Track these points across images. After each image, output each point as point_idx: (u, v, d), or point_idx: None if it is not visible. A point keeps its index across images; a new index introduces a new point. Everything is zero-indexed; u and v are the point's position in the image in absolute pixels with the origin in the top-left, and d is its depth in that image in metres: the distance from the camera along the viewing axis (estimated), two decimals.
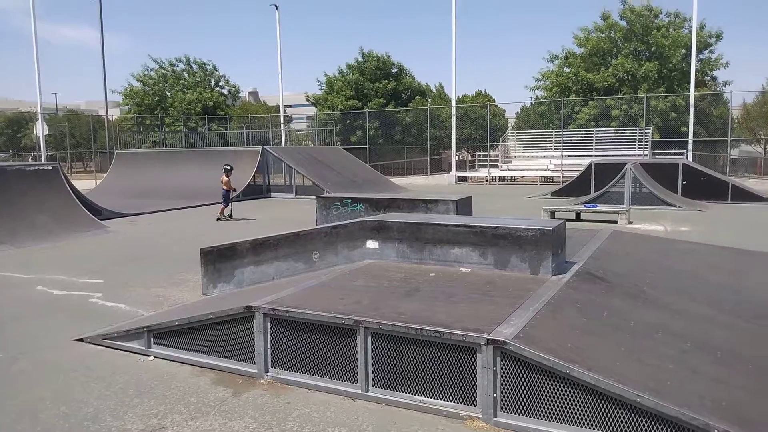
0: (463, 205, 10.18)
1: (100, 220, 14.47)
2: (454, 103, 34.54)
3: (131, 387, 4.67)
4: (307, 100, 43.37)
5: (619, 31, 32.78)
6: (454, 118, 33.60)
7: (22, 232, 12.17)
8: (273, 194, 23.38)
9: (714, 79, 33.59)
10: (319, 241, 6.84)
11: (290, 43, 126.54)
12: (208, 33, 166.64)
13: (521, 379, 3.80)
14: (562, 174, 27.86)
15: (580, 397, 3.60)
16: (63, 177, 14.68)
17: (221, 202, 15.83)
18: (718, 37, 31.58)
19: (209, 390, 4.60)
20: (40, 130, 33.91)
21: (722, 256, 8.41)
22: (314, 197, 12.37)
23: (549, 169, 30.10)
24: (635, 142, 29.42)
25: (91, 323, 6.25)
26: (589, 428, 3.58)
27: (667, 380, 3.65)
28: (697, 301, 5.80)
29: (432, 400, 4.11)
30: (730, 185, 18.46)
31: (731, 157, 29.47)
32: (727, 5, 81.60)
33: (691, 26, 29.21)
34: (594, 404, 3.56)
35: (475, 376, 3.94)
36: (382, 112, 37.38)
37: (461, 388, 4.01)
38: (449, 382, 4.05)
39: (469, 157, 37.31)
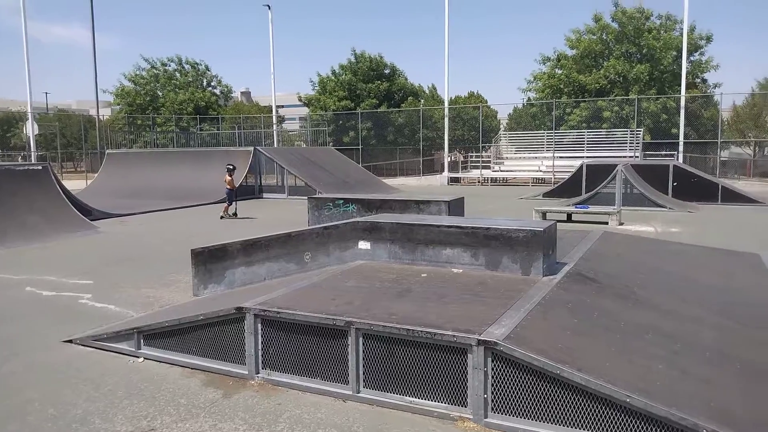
0: (455, 206, 10.21)
1: (91, 220, 14.38)
2: (446, 104, 34.64)
3: (121, 389, 4.64)
4: (300, 100, 43.32)
5: (610, 33, 32.97)
6: (446, 119, 33.68)
7: (12, 233, 12.08)
8: (265, 195, 23.34)
9: (704, 81, 33.89)
10: (311, 241, 6.83)
11: (283, 43, 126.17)
12: (200, 33, 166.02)
13: (512, 379, 3.80)
14: (554, 175, 27.98)
15: (570, 398, 3.61)
16: (53, 177, 14.58)
17: (225, 201, 16.11)
18: (708, 39, 31.87)
19: (199, 391, 4.58)
20: (30, 129, 33.68)
21: (712, 257, 8.47)
22: (306, 198, 12.37)
23: (541, 171, 30.25)
24: (626, 143, 29.60)
25: (80, 324, 6.20)
26: (580, 429, 3.59)
27: (657, 381, 3.67)
28: (687, 301, 5.84)
29: (423, 401, 4.11)
30: (720, 187, 18.60)
31: (721, 158, 29.71)
32: (717, 8, 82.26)
33: (682, 28, 29.43)
34: (584, 405, 3.57)
35: (466, 376, 3.95)
36: (374, 113, 37.41)
37: (452, 388, 4.01)
38: (440, 382, 4.05)
39: (462, 158, 37.41)
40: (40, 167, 14.58)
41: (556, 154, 29.62)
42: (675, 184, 18.45)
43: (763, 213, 16.03)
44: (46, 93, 65.79)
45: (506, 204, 19.18)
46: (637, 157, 28.03)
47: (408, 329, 4.13)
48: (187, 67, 46.16)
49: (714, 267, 7.87)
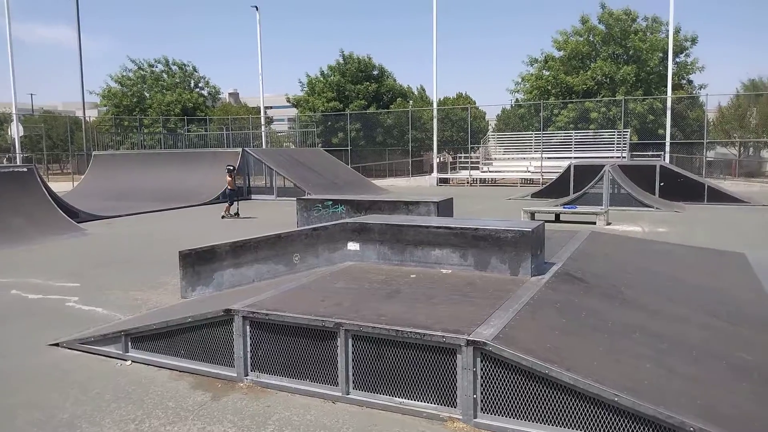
0: (444, 207, 10.24)
1: (77, 222, 14.25)
2: (435, 105, 34.71)
3: (108, 392, 4.60)
4: (288, 102, 43.21)
5: (597, 35, 33.19)
6: (435, 121, 33.74)
7: None
8: (253, 196, 23.23)
9: (690, 82, 34.23)
10: (300, 243, 6.81)
11: (271, 44, 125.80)
12: (188, 34, 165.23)
13: (501, 379, 3.81)
14: (542, 176, 28.10)
15: (559, 397, 3.63)
16: (39, 179, 14.44)
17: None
18: (694, 41, 32.18)
19: (188, 394, 4.55)
20: (15, 131, 33.29)
21: (699, 257, 8.55)
22: (295, 199, 12.35)
23: (529, 171, 30.39)
24: (613, 144, 29.81)
25: (67, 327, 6.14)
26: (568, 428, 3.61)
27: (644, 380, 3.70)
28: (674, 301, 5.89)
29: (412, 401, 4.11)
30: (706, 187, 18.79)
31: (707, 159, 30.00)
32: (702, 9, 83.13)
33: (668, 30, 29.71)
34: (573, 404, 3.59)
35: (455, 377, 3.95)
36: (363, 114, 37.39)
37: (441, 389, 4.01)
38: (429, 383, 4.06)
39: (451, 159, 37.50)
40: (25, 169, 14.45)
41: (544, 155, 29.76)
42: (662, 184, 18.61)
43: (749, 212, 16.22)
44: (32, 94, 65.29)
45: (495, 204, 19.24)
46: (624, 157, 28.23)
47: (397, 330, 4.13)
48: (174, 68, 45.88)
49: (700, 266, 7.94)
